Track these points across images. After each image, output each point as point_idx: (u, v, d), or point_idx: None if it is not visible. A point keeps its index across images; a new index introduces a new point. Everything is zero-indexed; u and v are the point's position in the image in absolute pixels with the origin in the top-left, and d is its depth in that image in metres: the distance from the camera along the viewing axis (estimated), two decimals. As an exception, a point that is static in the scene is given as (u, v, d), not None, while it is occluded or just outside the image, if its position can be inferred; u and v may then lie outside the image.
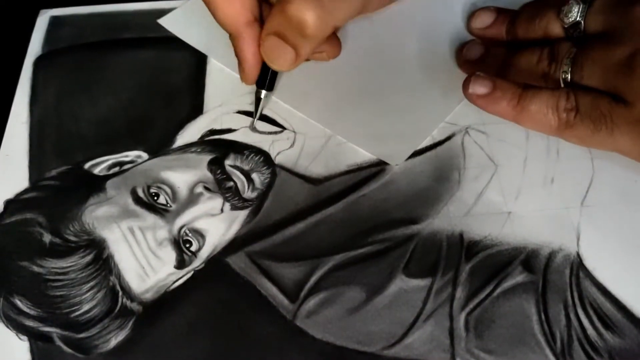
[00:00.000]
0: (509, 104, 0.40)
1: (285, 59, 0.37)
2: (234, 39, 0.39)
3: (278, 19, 0.36)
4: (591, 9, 0.39)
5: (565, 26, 0.40)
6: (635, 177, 0.40)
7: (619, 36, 0.37)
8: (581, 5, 0.40)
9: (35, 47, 0.47)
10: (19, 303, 0.37)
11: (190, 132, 0.43)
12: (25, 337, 0.36)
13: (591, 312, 0.36)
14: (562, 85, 0.39)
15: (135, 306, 0.37)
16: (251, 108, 0.44)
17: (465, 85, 0.41)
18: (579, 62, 0.38)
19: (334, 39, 0.42)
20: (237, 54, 0.40)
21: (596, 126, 0.37)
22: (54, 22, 0.48)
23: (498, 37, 0.45)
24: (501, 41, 0.45)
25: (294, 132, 0.43)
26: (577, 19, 0.40)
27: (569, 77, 0.39)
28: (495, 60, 0.43)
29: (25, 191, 0.41)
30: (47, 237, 0.38)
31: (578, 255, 0.38)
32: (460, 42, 0.46)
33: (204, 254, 0.39)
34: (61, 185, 0.41)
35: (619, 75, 0.36)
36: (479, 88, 0.41)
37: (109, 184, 0.41)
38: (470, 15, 0.47)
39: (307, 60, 0.42)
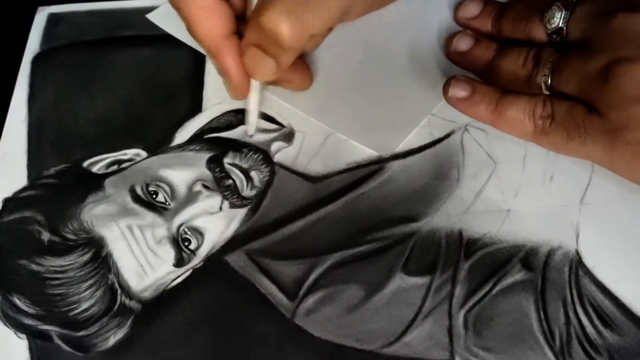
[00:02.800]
0: (487, 108, 0.40)
1: (267, 69, 0.37)
2: (214, 55, 0.38)
3: (254, 30, 0.36)
4: (573, 16, 0.39)
5: (548, 32, 0.41)
6: (635, 174, 0.40)
7: (596, 46, 0.37)
8: (563, 12, 0.40)
9: (33, 44, 0.47)
10: (17, 301, 0.37)
11: (189, 130, 0.43)
12: (23, 336, 0.36)
13: (590, 310, 0.36)
14: (544, 89, 0.39)
15: (134, 304, 0.37)
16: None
17: (445, 88, 0.42)
18: (558, 69, 0.38)
19: (303, 69, 0.42)
20: (221, 70, 0.39)
21: (570, 135, 0.38)
22: (52, 19, 0.48)
23: (484, 30, 0.45)
24: (488, 33, 0.45)
25: (292, 130, 0.43)
26: (560, 25, 0.40)
27: (549, 83, 0.39)
28: (483, 55, 0.43)
29: (24, 189, 0.41)
30: (45, 236, 0.38)
31: (577, 253, 0.38)
32: (447, 32, 0.46)
33: (203, 252, 0.38)
34: (60, 183, 0.41)
35: (593, 85, 0.36)
36: (459, 91, 0.41)
37: (108, 182, 0.41)
38: (458, 5, 0.47)
39: (276, 84, 0.43)
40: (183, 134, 0.43)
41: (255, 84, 0.40)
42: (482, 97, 0.40)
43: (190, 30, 0.38)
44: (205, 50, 0.39)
